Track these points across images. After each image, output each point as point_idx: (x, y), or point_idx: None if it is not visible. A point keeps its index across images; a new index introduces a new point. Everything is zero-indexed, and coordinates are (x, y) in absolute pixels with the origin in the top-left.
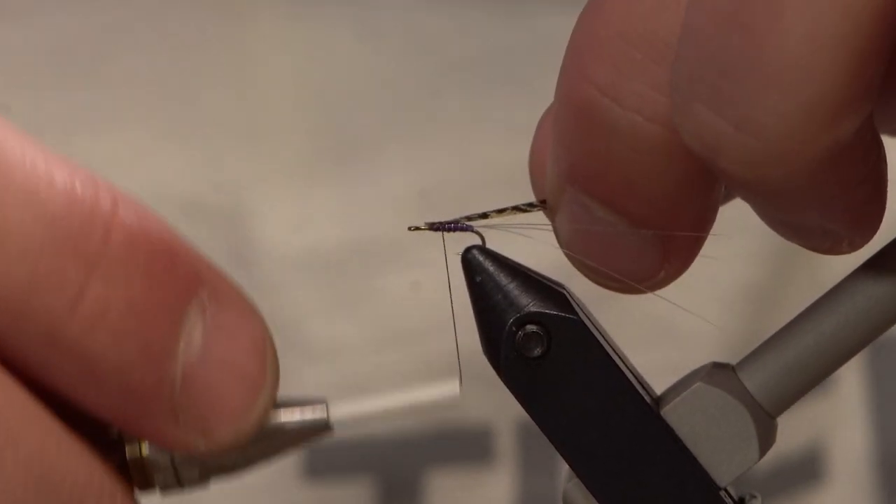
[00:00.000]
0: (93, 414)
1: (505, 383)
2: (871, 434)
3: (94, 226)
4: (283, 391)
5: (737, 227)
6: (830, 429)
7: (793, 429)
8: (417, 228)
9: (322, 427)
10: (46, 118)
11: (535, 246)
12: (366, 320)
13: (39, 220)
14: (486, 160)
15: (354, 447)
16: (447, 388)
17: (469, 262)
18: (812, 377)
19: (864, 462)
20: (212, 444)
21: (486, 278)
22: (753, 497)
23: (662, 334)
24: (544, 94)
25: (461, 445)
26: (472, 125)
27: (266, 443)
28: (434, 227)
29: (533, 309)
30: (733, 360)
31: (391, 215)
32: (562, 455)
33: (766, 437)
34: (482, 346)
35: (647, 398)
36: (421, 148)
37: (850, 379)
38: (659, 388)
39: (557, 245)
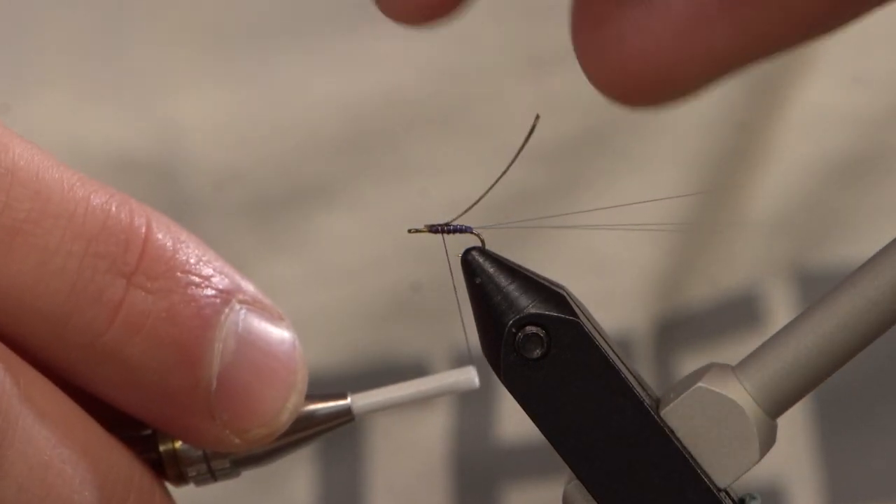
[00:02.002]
0: (132, 415)
1: (504, 384)
2: None
3: (130, 243)
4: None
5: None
6: None
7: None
8: (417, 231)
9: (345, 418)
10: None
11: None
12: (302, 261)
13: (78, 239)
14: (413, 100)
15: None
16: (464, 376)
17: (469, 264)
18: (811, 378)
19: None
20: (245, 442)
21: (486, 280)
22: (753, 498)
23: (593, 266)
24: (473, 32)
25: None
26: (401, 63)
27: (294, 435)
28: (434, 229)
29: (533, 310)
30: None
31: (320, 155)
32: (561, 456)
33: (766, 439)
34: (482, 347)
35: (646, 399)
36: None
37: (781, 317)
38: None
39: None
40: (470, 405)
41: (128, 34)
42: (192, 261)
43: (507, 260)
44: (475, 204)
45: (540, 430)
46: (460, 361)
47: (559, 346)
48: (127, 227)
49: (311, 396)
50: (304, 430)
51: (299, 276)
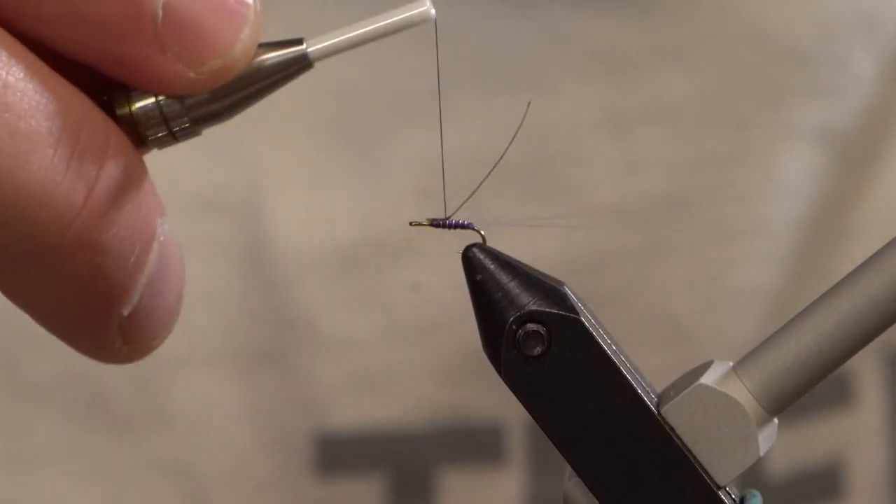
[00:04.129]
0: (80, 58)
1: (505, 382)
2: (891, 450)
3: None
4: (293, 385)
5: (750, 229)
6: (850, 444)
7: (813, 444)
8: (419, 224)
9: (301, 60)
10: None
11: (536, 244)
12: (377, 316)
13: None
14: (494, 155)
15: (365, 443)
16: (417, 5)
17: (470, 261)
18: (812, 376)
19: (883, 478)
20: (201, 77)
21: (487, 277)
22: (754, 496)
23: (670, 335)
24: (550, 88)
25: (471, 443)
26: (481, 118)
27: (249, 82)
28: (435, 223)
29: (533, 307)
30: None
31: (401, 211)
32: (562, 453)
33: (766, 436)
34: (483, 344)
35: (647, 397)
36: (433, 142)
37: (871, 395)
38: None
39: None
40: (543, 465)
41: None
42: None
43: (508, 257)
44: (472, 194)
45: (540, 426)
46: (534, 427)
47: (560, 343)
48: None
49: (267, 44)
50: (259, 76)
51: (374, 330)
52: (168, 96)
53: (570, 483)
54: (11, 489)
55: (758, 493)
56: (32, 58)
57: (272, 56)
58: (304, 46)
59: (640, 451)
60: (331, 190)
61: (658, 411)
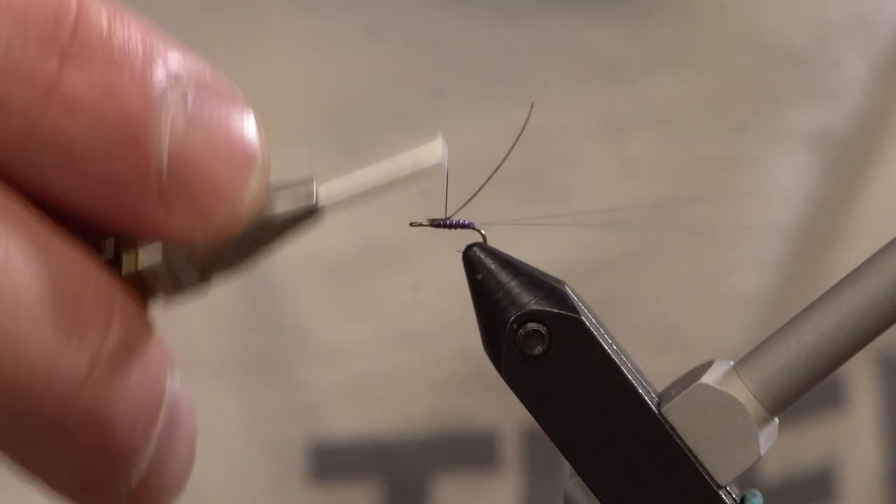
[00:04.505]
0: (83, 215)
1: (506, 381)
2: (885, 453)
3: (61, 18)
4: (289, 392)
5: (745, 233)
6: (844, 447)
7: (807, 446)
8: (419, 224)
9: (313, 211)
10: None
11: (536, 243)
12: (372, 323)
13: (3, 14)
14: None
15: (361, 450)
16: (431, 150)
17: (470, 260)
18: (812, 376)
19: (876, 480)
20: (206, 231)
21: (488, 276)
22: (754, 495)
23: (666, 340)
24: (545, 94)
25: (467, 450)
26: (476, 124)
27: (259, 233)
28: (435, 223)
29: (534, 307)
30: None
31: (397, 218)
32: (562, 453)
33: (767, 436)
34: (483, 344)
35: (647, 396)
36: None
37: (865, 398)
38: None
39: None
40: (539, 472)
41: None
42: (132, 38)
43: (508, 256)
44: (473, 197)
45: (541, 426)
46: (530, 430)
47: (560, 342)
48: (56, 1)
49: (276, 187)
50: (269, 226)
51: (369, 338)
52: (175, 248)
53: (571, 482)
54: (7, 497)
55: (758, 493)
56: (33, 222)
57: (283, 207)
58: (314, 194)
59: (641, 450)
60: None
61: (659, 411)
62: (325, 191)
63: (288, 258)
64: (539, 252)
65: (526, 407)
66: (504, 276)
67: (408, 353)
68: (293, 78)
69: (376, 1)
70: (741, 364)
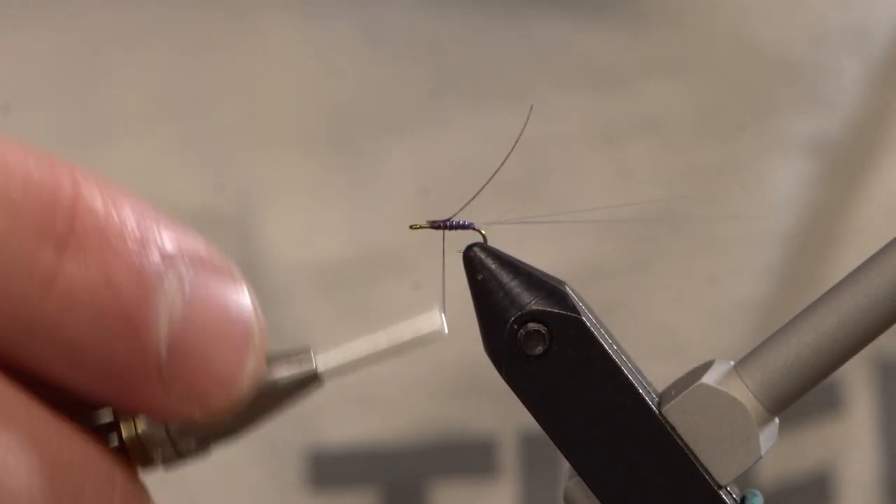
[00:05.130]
0: (82, 395)
1: (506, 381)
2: (882, 458)
3: (57, 208)
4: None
5: (742, 239)
6: (841, 451)
7: (803, 451)
8: (420, 227)
9: (312, 379)
10: (55, 130)
11: (535, 249)
12: (369, 330)
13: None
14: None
15: (358, 457)
16: (429, 320)
17: (471, 260)
18: (812, 376)
19: (873, 486)
20: (206, 412)
21: (488, 276)
22: (755, 495)
23: (663, 346)
24: (542, 100)
25: (464, 457)
26: (473, 130)
27: (258, 403)
28: (436, 224)
29: (535, 307)
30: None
31: (397, 225)
32: (563, 453)
33: (767, 436)
34: (484, 344)
35: (648, 396)
36: (426, 153)
37: (862, 402)
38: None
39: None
40: (537, 482)
41: (214, 93)
42: (128, 222)
43: (509, 256)
44: (473, 198)
45: (542, 426)
46: (527, 437)
47: (561, 342)
48: (52, 190)
49: (274, 357)
50: (268, 397)
51: None
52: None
53: (571, 482)
54: None
55: (759, 493)
56: (32, 415)
57: (282, 378)
58: (313, 365)
59: (641, 450)
60: (323, 205)
61: (659, 411)
62: (323, 361)
63: (285, 265)
64: (538, 258)
65: (526, 407)
66: (504, 276)
67: (405, 359)
68: (293, 82)
69: (375, 7)
70: (741, 364)
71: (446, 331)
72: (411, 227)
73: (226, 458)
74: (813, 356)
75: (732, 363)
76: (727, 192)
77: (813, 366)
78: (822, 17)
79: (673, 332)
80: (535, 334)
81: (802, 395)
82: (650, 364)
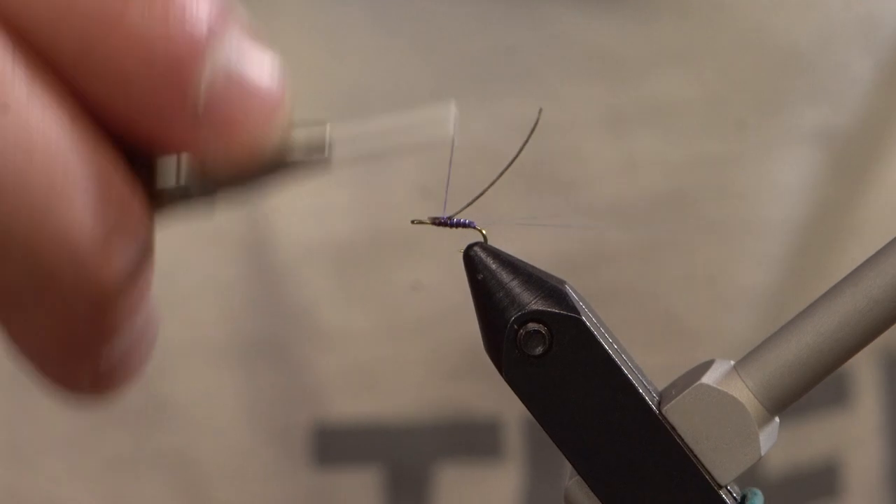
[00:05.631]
0: (119, 121)
1: (507, 381)
2: (889, 450)
3: None
4: (292, 377)
5: (749, 230)
6: (848, 444)
7: (810, 443)
8: (421, 222)
9: (321, 148)
10: None
11: (535, 242)
12: (377, 309)
13: None
14: (495, 153)
15: (364, 435)
16: (443, 109)
17: (471, 260)
18: (813, 376)
19: (880, 478)
20: (229, 156)
21: (488, 276)
22: (755, 494)
23: (669, 334)
24: (551, 88)
25: (469, 437)
26: (483, 116)
27: (270, 165)
28: (437, 221)
29: (535, 307)
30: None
31: (404, 206)
32: (563, 453)
33: (768, 436)
34: (484, 343)
35: (648, 396)
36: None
37: (869, 394)
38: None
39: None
40: (542, 463)
41: None
42: None
43: (509, 255)
44: (477, 198)
45: (542, 426)
46: (533, 423)
47: (561, 342)
48: None
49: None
50: (279, 162)
51: (374, 324)
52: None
53: (572, 482)
54: (10, 478)
55: (759, 492)
56: (81, 114)
57: (296, 147)
58: (325, 135)
59: (642, 450)
60: (333, 183)
61: (659, 411)
62: (336, 131)
63: (294, 244)
64: (544, 243)
65: (526, 407)
66: (505, 276)
67: (412, 339)
68: (303, 66)
69: None
70: (742, 364)
71: (454, 129)
72: (413, 221)
73: (234, 435)
74: (813, 356)
75: (732, 363)
76: (734, 181)
77: (813, 366)
78: (830, 9)
79: (679, 319)
80: (536, 334)
81: (802, 395)
82: (655, 350)
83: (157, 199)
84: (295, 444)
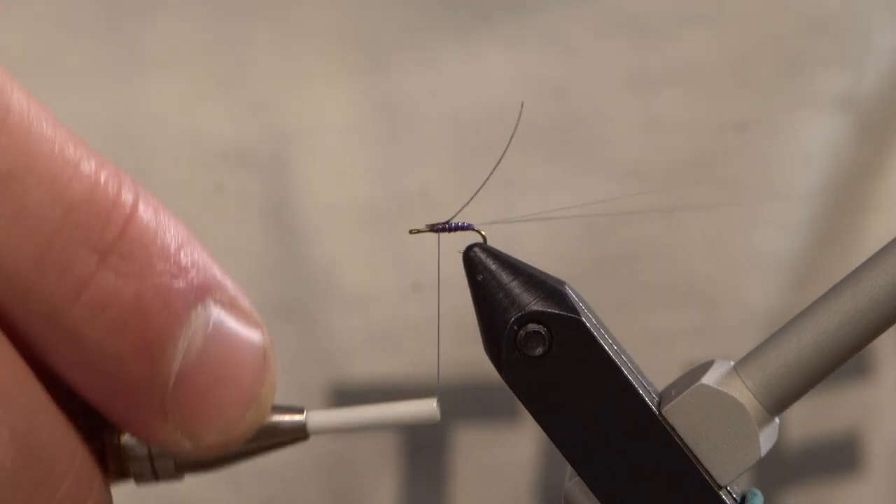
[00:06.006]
0: (83, 399)
1: (507, 382)
2: None
3: (111, 219)
4: (312, 338)
5: (771, 195)
6: (869, 416)
7: (831, 415)
8: (419, 231)
9: (300, 434)
10: (95, 64)
11: (562, 195)
12: (397, 272)
13: (58, 203)
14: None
15: (382, 397)
16: (426, 407)
17: (471, 261)
18: (813, 376)
19: None
20: (196, 447)
21: (488, 277)
22: (755, 495)
23: (689, 297)
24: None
25: (487, 399)
26: (506, 72)
27: (245, 446)
28: (435, 228)
29: (535, 308)
30: (764, 330)
31: (427, 170)
32: (563, 454)
33: (768, 436)
34: (484, 344)
35: (648, 397)
36: (459, 94)
37: (890, 366)
38: (681, 356)
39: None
40: None
41: (252, 31)
42: (172, 249)
43: (509, 256)
44: (471, 199)
45: (542, 427)
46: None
47: (561, 343)
48: (112, 201)
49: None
50: (256, 442)
51: (395, 286)
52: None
53: (572, 483)
54: None
55: (759, 492)
56: (34, 400)
57: (273, 423)
58: (303, 418)
59: (642, 451)
60: (358, 146)
61: (659, 411)
62: (315, 419)
63: (314, 205)
64: (565, 204)
65: (526, 408)
66: (504, 277)
67: (432, 301)
68: (327, 16)
69: None
70: (741, 364)
71: (439, 418)
72: (410, 231)
73: None
74: (813, 356)
75: (732, 363)
76: (757, 146)
77: (813, 366)
78: None
79: (699, 282)
80: (535, 335)
81: (802, 396)
82: (675, 313)
83: (120, 472)
84: (315, 405)
